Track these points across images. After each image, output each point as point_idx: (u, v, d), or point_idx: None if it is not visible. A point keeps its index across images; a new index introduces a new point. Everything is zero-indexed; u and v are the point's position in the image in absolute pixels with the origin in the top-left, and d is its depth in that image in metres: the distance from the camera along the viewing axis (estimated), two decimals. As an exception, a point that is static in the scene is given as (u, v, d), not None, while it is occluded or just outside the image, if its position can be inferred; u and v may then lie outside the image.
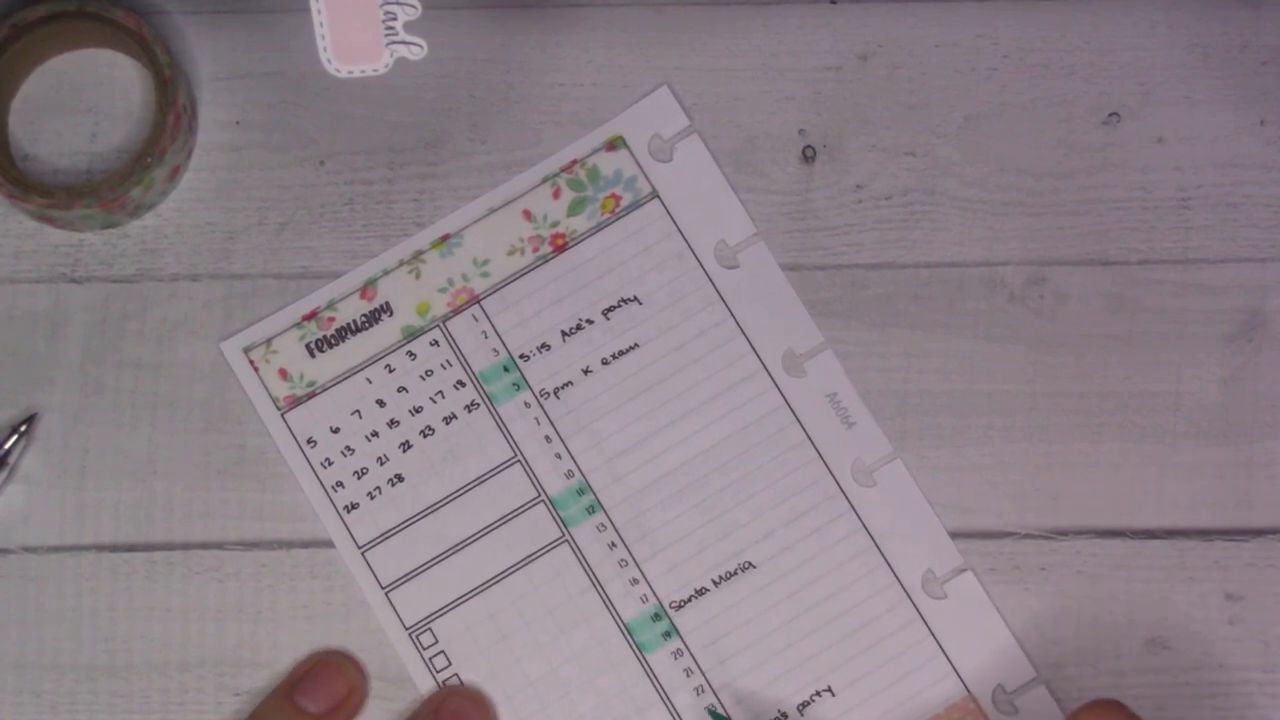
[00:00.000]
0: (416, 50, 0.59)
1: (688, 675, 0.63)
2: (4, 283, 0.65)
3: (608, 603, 0.64)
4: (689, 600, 0.64)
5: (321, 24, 0.58)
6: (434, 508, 0.64)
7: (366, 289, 0.65)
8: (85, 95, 0.66)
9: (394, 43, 0.59)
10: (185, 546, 0.64)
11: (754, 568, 0.64)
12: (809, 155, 0.66)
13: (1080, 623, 0.63)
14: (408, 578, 0.64)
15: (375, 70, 0.59)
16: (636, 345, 0.65)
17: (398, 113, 0.66)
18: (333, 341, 0.65)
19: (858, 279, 0.65)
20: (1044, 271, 0.65)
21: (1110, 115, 0.66)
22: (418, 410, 0.65)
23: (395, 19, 0.58)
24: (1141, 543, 0.64)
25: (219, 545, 0.64)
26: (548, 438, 0.64)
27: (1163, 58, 0.66)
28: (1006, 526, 0.64)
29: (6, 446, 0.63)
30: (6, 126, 0.66)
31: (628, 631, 0.63)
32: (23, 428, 0.64)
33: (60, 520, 0.64)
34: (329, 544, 0.64)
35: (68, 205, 0.63)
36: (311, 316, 0.65)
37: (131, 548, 0.64)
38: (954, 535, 0.64)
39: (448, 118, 0.66)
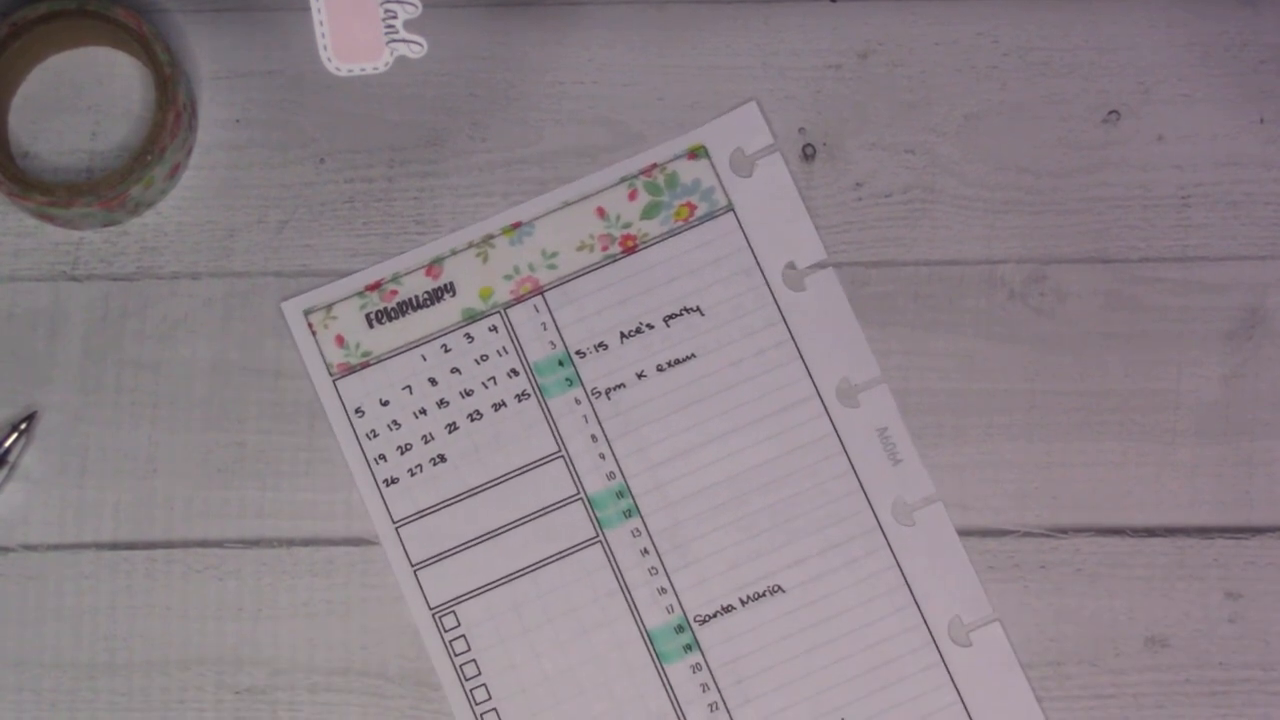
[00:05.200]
0: (416, 48, 0.59)
1: (704, 690, 0.63)
2: (4, 281, 0.65)
3: (633, 608, 0.63)
4: (714, 616, 0.63)
5: (321, 22, 0.58)
6: (473, 492, 0.64)
7: (433, 266, 0.65)
8: (85, 93, 0.66)
9: (394, 41, 0.59)
10: (185, 545, 0.64)
11: (783, 591, 0.63)
12: (809, 153, 0.66)
13: (1080, 621, 0.63)
14: (438, 558, 0.63)
15: (375, 68, 0.59)
16: (694, 355, 0.65)
17: (398, 111, 0.66)
18: (393, 314, 0.65)
19: (857, 277, 0.65)
20: (1044, 270, 0.65)
21: (1110, 113, 0.66)
22: (468, 393, 0.65)
23: (395, 17, 0.58)
24: (1141, 541, 0.64)
25: (219, 543, 0.64)
26: (594, 437, 0.64)
27: (1162, 56, 0.66)
28: (1006, 525, 0.64)
29: (7, 445, 0.63)
30: (7, 125, 0.66)
31: (649, 639, 0.63)
32: (23, 426, 0.64)
33: (60, 518, 0.64)
34: (329, 542, 0.64)
35: (68, 203, 0.63)
36: (375, 287, 0.65)
37: (131, 546, 0.64)
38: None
39: (448, 116, 0.66)
